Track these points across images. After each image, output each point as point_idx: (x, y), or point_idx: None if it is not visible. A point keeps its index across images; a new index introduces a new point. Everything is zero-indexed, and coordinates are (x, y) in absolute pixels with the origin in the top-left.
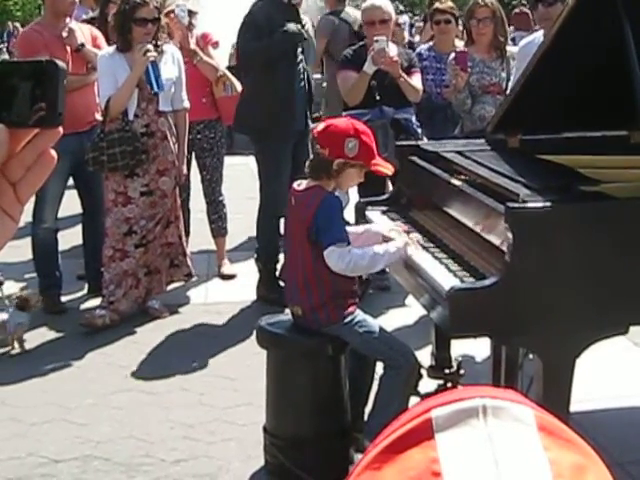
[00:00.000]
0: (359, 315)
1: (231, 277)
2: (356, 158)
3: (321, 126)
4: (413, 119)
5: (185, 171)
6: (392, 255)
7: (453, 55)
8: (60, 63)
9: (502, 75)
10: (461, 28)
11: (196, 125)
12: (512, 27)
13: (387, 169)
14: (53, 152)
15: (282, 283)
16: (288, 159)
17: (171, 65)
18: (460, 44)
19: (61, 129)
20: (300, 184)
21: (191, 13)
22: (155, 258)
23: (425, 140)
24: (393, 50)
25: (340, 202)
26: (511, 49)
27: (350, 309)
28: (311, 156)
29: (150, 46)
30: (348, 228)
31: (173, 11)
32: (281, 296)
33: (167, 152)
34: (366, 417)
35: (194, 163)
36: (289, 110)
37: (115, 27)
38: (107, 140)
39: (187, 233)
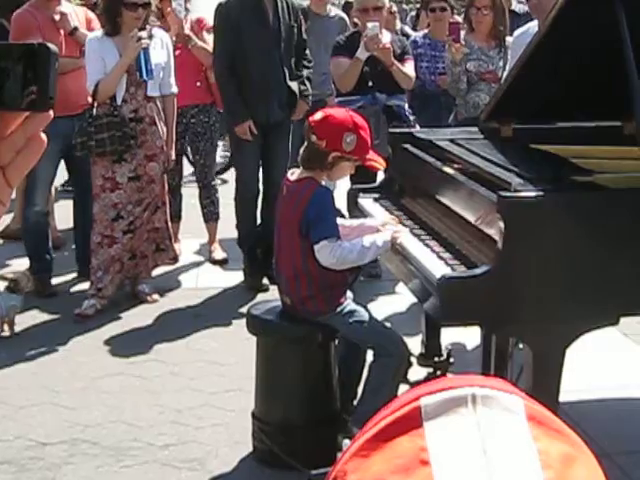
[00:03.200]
0: (349, 305)
1: (222, 262)
2: (352, 153)
3: (319, 116)
4: (405, 106)
5: (174, 156)
6: (379, 248)
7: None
8: (52, 46)
9: (499, 64)
10: (457, 17)
11: (190, 109)
12: None
13: (380, 164)
14: (43, 136)
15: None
16: (252, 145)
17: (160, 50)
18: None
19: (52, 113)
20: (293, 173)
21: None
22: (141, 243)
23: (417, 127)
24: (386, 37)
25: (332, 195)
26: (508, 38)
27: (339, 300)
28: (305, 144)
29: (144, 33)
30: (342, 221)
31: (170, 2)
32: (262, 282)
33: (155, 137)
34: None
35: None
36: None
37: (104, 10)
38: (95, 125)
39: (179, 218)
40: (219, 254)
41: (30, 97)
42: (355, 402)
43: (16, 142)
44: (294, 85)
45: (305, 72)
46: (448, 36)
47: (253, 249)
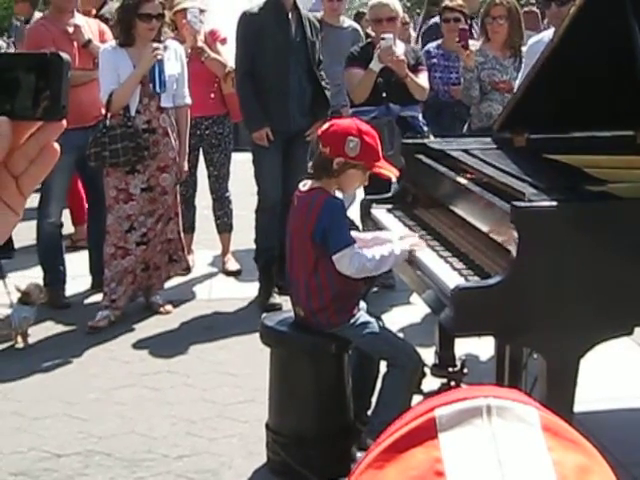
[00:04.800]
0: (361, 317)
1: (235, 273)
2: (357, 158)
3: (325, 125)
4: (420, 117)
5: (186, 168)
6: (398, 257)
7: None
8: (64, 56)
9: (514, 74)
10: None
11: (204, 121)
12: None
13: (391, 172)
14: (56, 145)
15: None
16: (274, 154)
17: (174, 61)
18: (475, 43)
19: (65, 122)
20: (305, 184)
21: (200, 11)
22: (154, 255)
23: (431, 138)
24: (400, 48)
25: (342, 203)
26: (524, 48)
27: (351, 312)
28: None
29: (160, 45)
30: (357, 234)
31: (185, 11)
32: (273, 302)
33: (168, 149)
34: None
35: (201, 159)
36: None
37: (118, 21)
38: (109, 136)
39: (192, 229)
40: (232, 265)
41: (43, 106)
42: (369, 413)
43: (29, 152)
44: (317, 96)
45: (327, 92)
46: (457, 42)
47: (268, 266)
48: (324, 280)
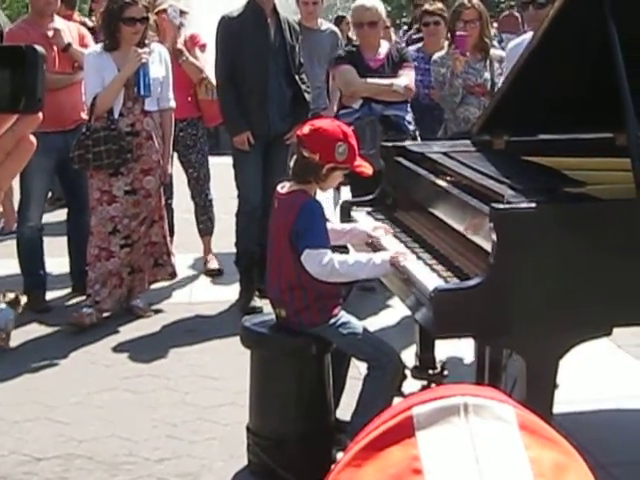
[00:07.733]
0: (343, 317)
1: (217, 272)
2: (344, 162)
3: (306, 129)
4: (407, 117)
5: (170, 171)
6: (376, 267)
7: (452, 43)
8: (39, 48)
9: (486, 76)
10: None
11: (179, 122)
12: (496, 29)
13: (368, 169)
14: (32, 138)
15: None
16: (254, 158)
17: (158, 64)
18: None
19: (41, 115)
20: (284, 186)
21: (182, 13)
22: (139, 257)
23: (418, 138)
24: (384, 47)
25: (321, 207)
26: (496, 51)
27: (334, 311)
28: (294, 158)
29: (145, 49)
30: (333, 226)
31: (165, 10)
32: (254, 306)
33: (152, 152)
34: (349, 417)
35: (177, 162)
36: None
37: (103, 26)
38: (93, 138)
39: (172, 233)
40: (214, 264)
41: (19, 99)
42: (337, 411)
43: (5, 144)
44: (297, 99)
45: (307, 96)
46: (455, 49)
47: (249, 269)
48: (305, 279)
